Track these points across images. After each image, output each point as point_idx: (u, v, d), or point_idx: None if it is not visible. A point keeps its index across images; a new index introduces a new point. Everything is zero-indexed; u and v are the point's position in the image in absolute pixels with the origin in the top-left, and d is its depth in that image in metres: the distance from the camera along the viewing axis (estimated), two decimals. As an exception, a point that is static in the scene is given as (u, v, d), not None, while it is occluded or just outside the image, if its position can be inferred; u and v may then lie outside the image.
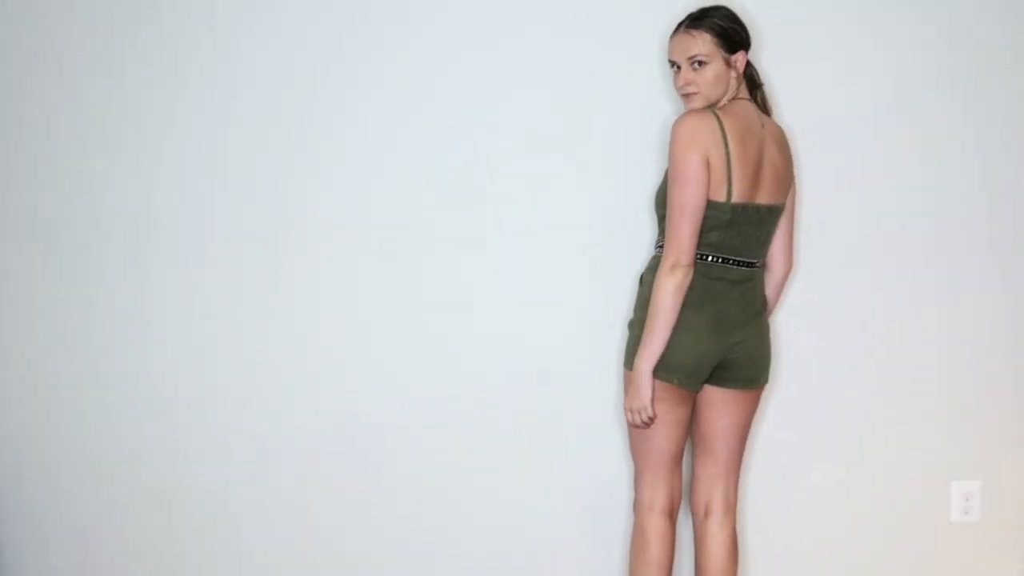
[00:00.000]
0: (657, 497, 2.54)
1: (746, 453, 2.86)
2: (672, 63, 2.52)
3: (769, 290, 2.63)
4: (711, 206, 2.41)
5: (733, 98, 2.50)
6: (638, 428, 2.50)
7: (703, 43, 2.46)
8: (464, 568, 2.89)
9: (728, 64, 2.48)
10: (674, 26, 2.52)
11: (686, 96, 2.50)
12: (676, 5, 2.61)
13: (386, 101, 2.79)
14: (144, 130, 2.80)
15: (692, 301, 2.44)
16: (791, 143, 2.61)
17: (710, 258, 2.47)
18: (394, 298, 2.83)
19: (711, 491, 2.60)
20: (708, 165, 2.39)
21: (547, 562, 2.89)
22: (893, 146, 2.84)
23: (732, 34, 2.49)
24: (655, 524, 2.53)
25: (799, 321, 2.84)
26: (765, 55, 2.72)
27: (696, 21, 2.49)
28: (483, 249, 2.82)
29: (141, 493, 2.88)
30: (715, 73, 2.47)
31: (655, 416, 2.46)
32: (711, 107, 2.47)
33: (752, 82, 2.56)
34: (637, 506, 2.57)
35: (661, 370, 2.44)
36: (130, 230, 2.82)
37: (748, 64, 2.54)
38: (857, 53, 2.83)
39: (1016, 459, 2.90)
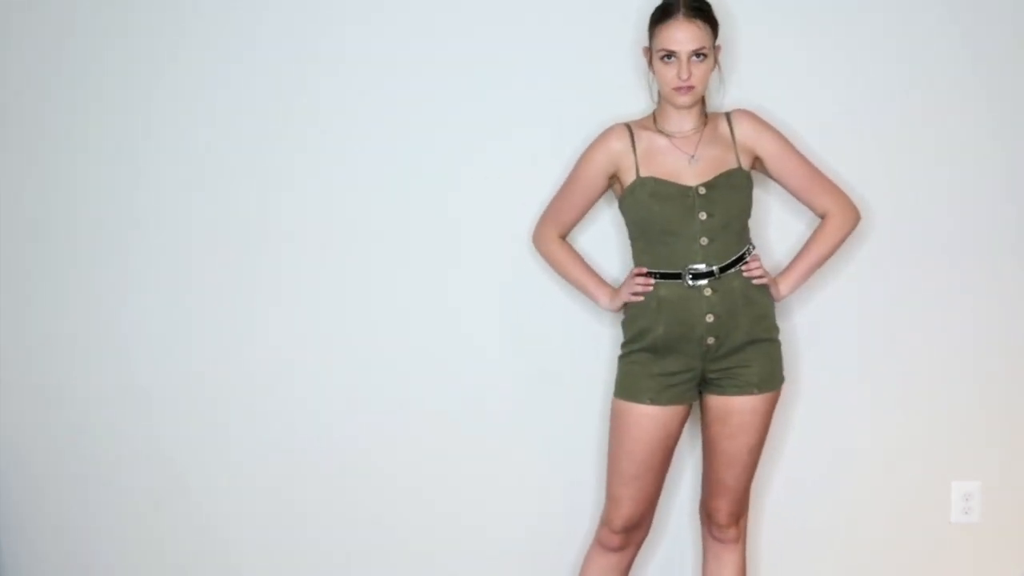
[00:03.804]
0: None
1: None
2: (666, 53, 2.26)
3: None
4: None
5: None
6: None
7: (706, 35, 2.26)
8: (444, 567, 2.91)
9: (715, 57, 2.34)
10: (654, 11, 2.30)
11: (681, 90, 2.26)
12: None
13: (368, 101, 2.78)
14: (124, 132, 2.81)
15: None
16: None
17: None
18: (375, 298, 2.83)
19: None
20: None
21: (529, 560, 2.90)
22: (893, 145, 2.83)
23: (716, 22, 2.31)
24: None
25: (798, 322, 2.83)
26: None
27: (695, 9, 2.25)
28: (465, 251, 2.82)
29: (134, 493, 2.90)
30: (710, 68, 2.32)
31: None
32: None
33: None
34: None
35: None
36: (113, 231, 2.83)
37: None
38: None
39: (1016, 459, 2.90)
